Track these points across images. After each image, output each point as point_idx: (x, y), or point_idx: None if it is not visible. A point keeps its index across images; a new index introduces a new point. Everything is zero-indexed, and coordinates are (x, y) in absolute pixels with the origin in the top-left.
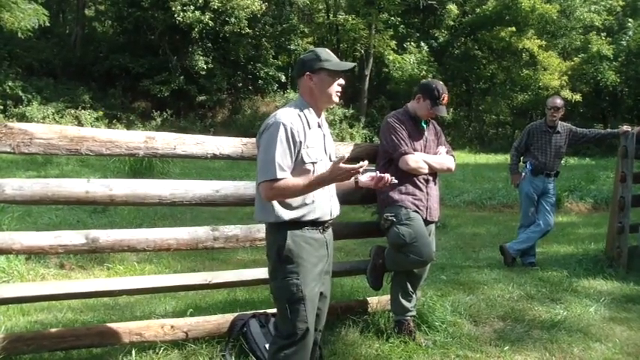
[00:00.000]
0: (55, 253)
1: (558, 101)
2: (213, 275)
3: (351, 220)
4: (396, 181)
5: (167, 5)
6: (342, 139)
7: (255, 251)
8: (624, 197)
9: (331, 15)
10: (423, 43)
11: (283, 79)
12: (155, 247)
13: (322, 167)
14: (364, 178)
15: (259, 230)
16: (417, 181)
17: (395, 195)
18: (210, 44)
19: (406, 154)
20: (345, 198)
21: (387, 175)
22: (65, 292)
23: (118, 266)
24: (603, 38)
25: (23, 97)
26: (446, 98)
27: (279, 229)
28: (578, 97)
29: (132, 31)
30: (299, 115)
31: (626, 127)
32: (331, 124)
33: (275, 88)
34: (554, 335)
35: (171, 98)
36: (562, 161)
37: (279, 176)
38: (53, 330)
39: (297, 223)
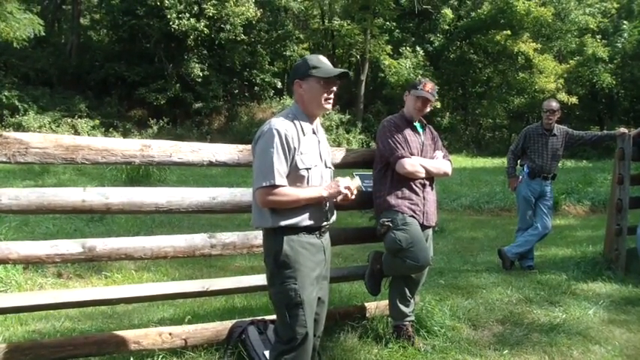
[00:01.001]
0: (53, 262)
1: (554, 104)
2: (211, 282)
3: (348, 226)
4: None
5: (162, 13)
6: (339, 145)
7: (252, 258)
8: (622, 199)
9: (326, 21)
10: (418, 48)
11: (279, 85)
12: (152, 255)
13: (316, 173)
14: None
15: (256, 237)
16: (414, 186)
17: (391, 200)
18: (205, 51)
19: (403, 157)
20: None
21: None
22: (63, 301)
23: (116, 275)
24: (598, 41)
25: (19, 106)
26: (428, 86)
27: (275, 234)
28: (574, 99)
29: (127, 40)
30: (293, 122)
31: (622, 130)
32: (327, 129)
33: (271, 94)
34: (553, 338)
35: (167, 106)
36: (559, 164)
37: (277, 182)
38: (51, 339)
39: (294, 229)
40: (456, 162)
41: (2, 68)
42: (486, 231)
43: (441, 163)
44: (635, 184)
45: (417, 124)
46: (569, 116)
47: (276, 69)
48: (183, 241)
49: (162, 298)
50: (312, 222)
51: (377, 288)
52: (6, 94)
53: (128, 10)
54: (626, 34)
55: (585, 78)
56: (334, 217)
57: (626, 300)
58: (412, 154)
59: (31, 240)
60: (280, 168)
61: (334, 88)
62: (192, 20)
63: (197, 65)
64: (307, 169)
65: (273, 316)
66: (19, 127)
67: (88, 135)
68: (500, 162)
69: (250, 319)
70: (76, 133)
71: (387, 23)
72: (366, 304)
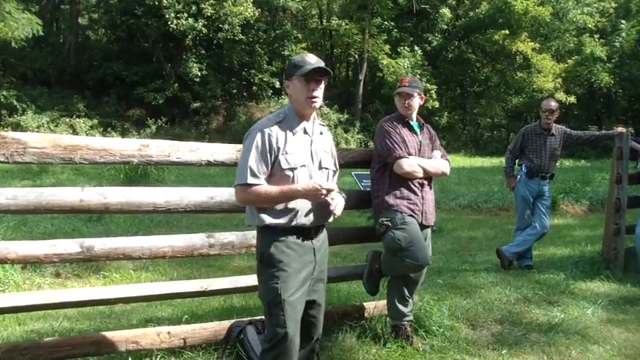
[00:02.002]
0: (51, 262)
1: (553, 104)
2: (210, 282)
3: (346, 225)
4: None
5: (160, 13)
6: (337, 144)
7: (251, 258)
8: (620, 198)
9: (324, 20)
10: (416, 47)
11: (277, 85)
12: (151, 254)
13: (304, 173)
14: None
15: (255, 237)
16: (412, 186)
17: (390, 199)
18: (204, 51)
19: (400, 158)
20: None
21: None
22: (61, 300)
23: (114, 274)
24: (596, 40)
25: (18, 106)
26: (405, 81)
27: (263, 232)
28: (572, 99)
29: (126, 39)
30: (282, 122)
31: (620, 129)
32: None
33: (269, 94)
34: (551, 338)
35: (165, 106)
36: (557, 163)
37: (249, 181)
38: (49, 339)
39: (282, 229)
40: (454, 161)
41: (0, 68)
42: (485, 230)
43: (439, 162)
44: (634, 184)
45: (414, 123)
46: (568, 115)
47: (274, 69)
48: (182, 241)
49: (160, 297)
50: (301, 222)
51: (375, 288)
52: (4, 93)
53: (126, 9)
54: (624, 34)
55: (583, 77)
56: (330, 219)
57: (625, 299)
58: (410, 154)
59: (29, 240)
60: (256, 167)
61: (321, 86)
62: (191, 20)
63: (195, 65)
64: (292, 169)
65: None
66: (17, 127)
67: (87, 135)
68: (499, 161)
69: (249, 319)
70: (75, 132)
71: (386, 23)
72: (364, 304)
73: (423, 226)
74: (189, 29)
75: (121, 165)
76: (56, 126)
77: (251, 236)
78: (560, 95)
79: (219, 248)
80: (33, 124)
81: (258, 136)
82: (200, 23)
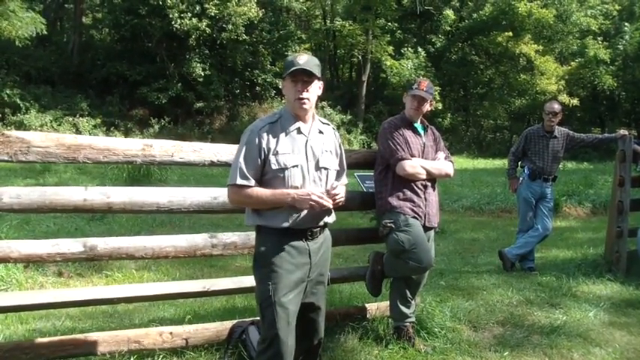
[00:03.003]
0: (53, 261)
1: (556, 106)
2: (212, 282)
3: (349, 226)
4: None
5: (164, 13)
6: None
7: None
8: (622, 201)
9: (328, 21)
10: (420, 49)
11: (281, 85)
12: (153, 254)
13: (297, 174)
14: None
15: None
16: (416, 187)
17: (393, 201)
18: (207, 51)
19: (403, 159)
20: (343, 204)
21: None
22: (63, 300)
23: (117, 274)
24: (600, 42)
25: (21, 105)
26: (423, 84)
27: (258, 233)
28: (575, 101)
29: (129, 39)
30: (275, 122)
31: (623, 131)
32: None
33: (272, 94)
34: (553, 340)
35: (168, 105)
36: (560, 166)
37: (238, 182)
38: (51, 338)
39: (275, 229)
40: (457, 163)
41: (4, 67)
42: (487, 232)
43: (442, 164)
44: (636, 186)
45: (418, 125)
46: (571, 118)
47: (277, 69)
48: (185, 241)
49: (162, 297)
50: (295, 224)
51: (378, 289)
52: (8, 92)
53: (130, 9)
54: (627, 36)
55: (586, 80)
56: (330, 220)
57: (627, 302)
58: (413, 156)
59: (32, 239)
60: (245, 168)
61: (311, 87)
62: (194, 20)
63: (199, 65)
64: (282, 169)
65: None
66: (20, 126)
67: (90, 134)
68: (502, 163)
69: (251, 319)
70: (78, 132)
71: (389, 24)
72: (366, 305)
73: (426, 228)
74: (192, 29)
75: (124, 165)
76: (59, 125)
77: (253, 237)
78: (564, 97)
79: (221, 248)
80: (36, 122)
81: (249, 137)
82: (204, 23)
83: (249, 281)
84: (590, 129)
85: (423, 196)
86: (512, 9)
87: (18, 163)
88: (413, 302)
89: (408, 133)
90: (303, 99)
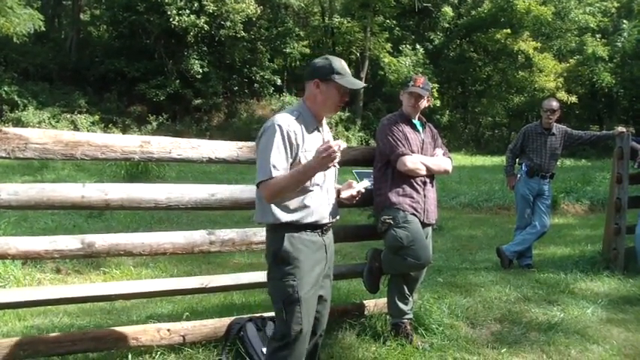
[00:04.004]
0: (51, 258)
1: (554, 104)
2: (210, 279)
3: (347, 223)
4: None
5: (162, 9)
6: None
7: (251, 255)
8: (620, 198)
9: (326, 18)
10: (418, 46)
11: (279, 82)
12: (151, 251)
13: (328, 172)
14: (359, 187)
15: (255, 234)
16: (415, 184)
17: (392, 197)
18: (205, 48)
19: (404, 155)
20: (342, 200)
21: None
22: (61, 296)
23: (115, 270)
24: (598, 40)
25: (19, 101)
26: (419, 81)
27: (276, 230)
28: (573, 98)
29: (127, 36)
30: (297, 119)
31: (621, 129)
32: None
33: (271, 91)
34: (551, 337)
35: (167, 102)
36: (557, 163)
37: (274, 175)
38: (49, 335)
39: (295, 226)
40: (455, 160)
41: (2, 63)
42: (485, 229)
43: (442, 160)
44: (634, 184)
45: (416, 122)
46: (569, 115)
47: (276, 66)
48: (182, 238)
49: (160, 294)
50: (314, 219)
51: (375, 286)
52: (5, 89)
53: (128, 5)
54: (625, 34)
55: (585, 77)
56: (338, 217)
57: (625, 299)
58: (412, 152)
59: (30, 235)
60: (278, 163)
61: (347, 99)
62: (193, 16)
63: (197, 62)
64: None
65: (272, 313)
66: (18, 123)
67: (88, 131)
68: (500, 160)
69: (249, 315)
70: (76, 128)
71: (387, 21)
72: (364, 302)
73: (424, 225)
74: (190, 26)
75: (122, 161)
76: (57, 122)
77: (252, 233)
78: (562, 95)
79: (219, 245)
80: (34, 119)
81: (278, 132)
82: (202, 20)
83: (247, 278)
84: (588, 126)
85: (422, 192)
86: (510, 6)
87: (16, 159)
88: (411, 299)
89: (407, 130)
90: (340, 107)
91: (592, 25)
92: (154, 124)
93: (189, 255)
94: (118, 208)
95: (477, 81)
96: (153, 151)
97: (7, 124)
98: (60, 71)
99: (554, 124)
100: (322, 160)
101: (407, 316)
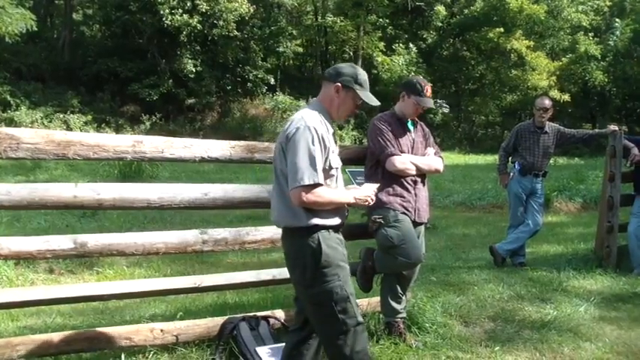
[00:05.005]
0: (44, 258)
1: (547, 102)
2: (203, 279)
3: None
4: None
5: (155, 9)
6: None
7: (244, 254)
8: (613, 196)
9: (319, 17)
10: (411, 45)
11: (272, 81)
12: (144, 251)
13: (339, 172)
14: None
15: (248, 233)
16: (405, 183)
17: (383, 197)
18: (198, 47)
19: (393, 155)
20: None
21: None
22: (54, 296)
23: (108, 270)
24: (591, 38)
25: (11, 101)
26: (429, 90)
27: (309, 233)
28: (566, 97)
29: (120, 35)
30: (321, 120)
31: (613, 127)
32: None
33: (264, 90)
34: (544, 335)
35: (160, 102)
36: (550, 161)
37: (320, 181)
38: (42, 335)
39: (332, 227)
40: (448, 159)
41: None
42: (478, 228)
43: (432, 159)
44: (627, 182)
45: (407, 121)
46: (562, 113)
47: (269, 65)
48: (175, 237)
49: (153, 294)
50: (340, 220)
51: (368, 285)
52: None
53: (121, 5)
54: (618, 32)
55: (578, 75)
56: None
57: (617, 297)
58: (402, 152)
59: (22, 235)
60: (317, 166)
61: (357, 111)
62: (185, 16)
63: (190, 61)
64: (336, 168)
65: (265, 313)
66: (10, 123)
67: (80, 131)
68: (493, 159)
69: (242, 315)
70: (68, 128)
71: (380, 20)
72: (357, 301)
73: (416, 224)
74: (183, 25)
75: (115, 161)
76: (50, 122)
77: (244, 233)
78: (555, 93)
79: (212, 244)
80: (27, 119)
81: (315, 135)
82: (195, 19)
83: (240, 277)
84: (581, 125)
85: (413, 191)
86: (503, 5)
87: (8, 159)
88: (404, 298)
89: (397, 129)
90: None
91: (584, 24)
92: (147, 123)
93: (183, 255)
94: (111, 207)
95: (470, 80)
96: (145, 151)
97: None
98: (52, 71)
99: (547, 122)
100: (358, 201)
101: (400, 315)
